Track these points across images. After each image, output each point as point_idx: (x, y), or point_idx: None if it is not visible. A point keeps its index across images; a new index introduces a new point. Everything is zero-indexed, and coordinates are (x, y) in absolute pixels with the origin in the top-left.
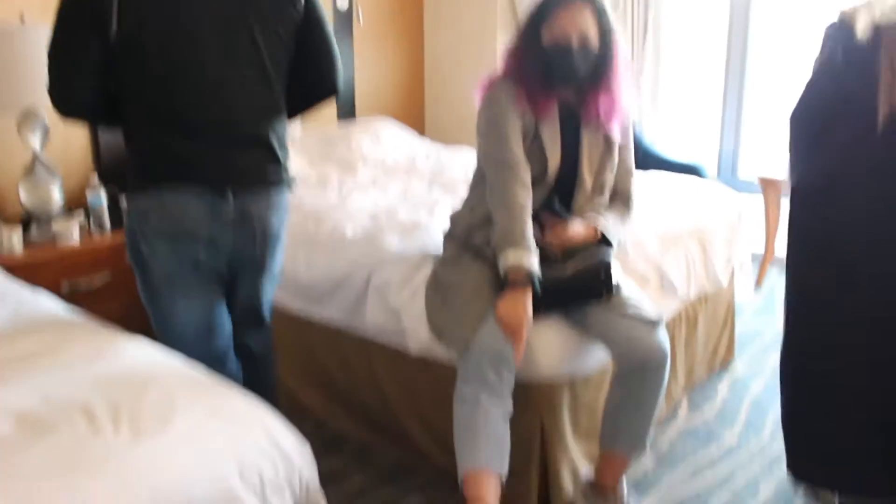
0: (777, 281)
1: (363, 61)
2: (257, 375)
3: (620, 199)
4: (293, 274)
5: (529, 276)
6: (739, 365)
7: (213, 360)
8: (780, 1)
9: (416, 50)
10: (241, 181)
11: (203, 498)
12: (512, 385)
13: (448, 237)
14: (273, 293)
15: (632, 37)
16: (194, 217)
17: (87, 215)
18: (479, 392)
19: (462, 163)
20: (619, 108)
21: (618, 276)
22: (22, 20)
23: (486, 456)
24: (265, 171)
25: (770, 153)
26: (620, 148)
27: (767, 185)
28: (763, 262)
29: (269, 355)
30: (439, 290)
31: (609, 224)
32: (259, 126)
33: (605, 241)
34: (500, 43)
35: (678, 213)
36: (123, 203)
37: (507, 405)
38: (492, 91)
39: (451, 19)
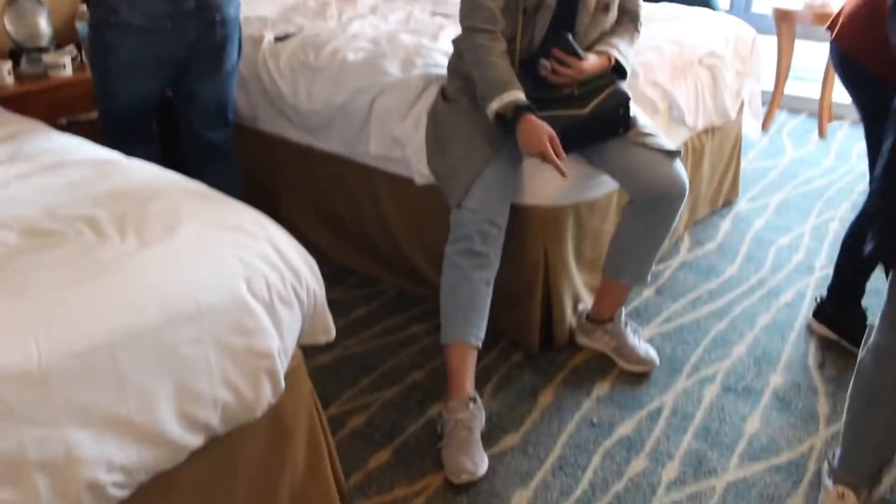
0: (786, 123)
1: None
2: (227, 169)
3: (628, 17)
4: (293, 104)
5: (522, 107)
6: (743, 202)
7: (142, 130)
8: None
9: None
10: None
11: (211, 304)
12: (500, 247)
13: (451, 69)
14: (235, 91)
15: None
16: (158, 12)
17: (79, 48)
18: (464, 261)
19: None
20: None
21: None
22: None
23: (466, 330)
24: None
25: None
26: None
27: (782, 18)
28: (772, 103)
29: (234, 152)
30: (438, 132)
31: (622, 52)
32: None
33: (617, 70)
34: None
35: (690, 41)
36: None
37: (493, 269)
38: None
39: None
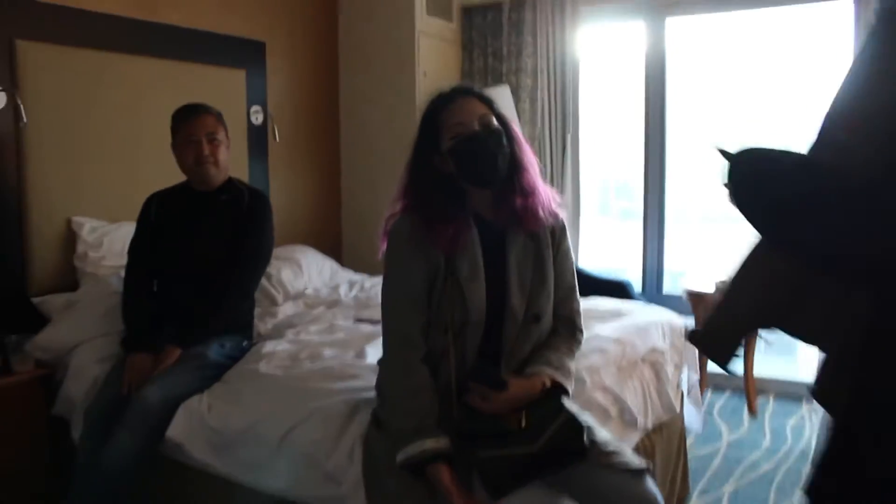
0: (714, 402)
1: (279, 182)
2: None
3: (565, 326)
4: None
5: (442, 455)
6: (695, 498)
7: None
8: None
9: (332, 173)
10: None
11: None
12: None
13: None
14: None
15: (550, 156)
16: None
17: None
18: None
19: None
20: (545, 199)
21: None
22: None
23: None
24: None
25: (695, 264)
26: (557, 253)
27: (696, 300)
28: (700, 386)
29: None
30: (374, 465)
31: (559, 369)
32: None
33: (559, 387)
34: None
35: (630, 339)
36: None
37: None
38: (389, 236)
39: (369, 140)
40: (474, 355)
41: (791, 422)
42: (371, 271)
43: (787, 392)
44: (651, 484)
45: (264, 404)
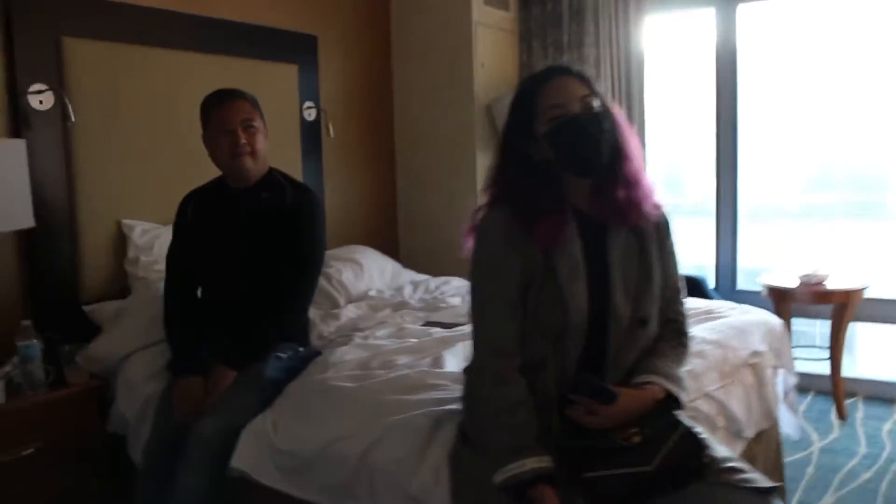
0: (797, 404)
1: (333, 181)
2: None
3: (672, 331)
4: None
5: (545, 476)
6: None
7: None
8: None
9: (387, 170)
10: None
11: None
12: None
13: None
14: None
15: None
16: None
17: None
18: None
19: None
20: (650, 191)
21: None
22: None
23: None
24: None
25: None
26: (662, 250)
27: (780, 298)
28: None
29: None
30: (464, 486)
31: (671, 379)
32: None
33: (672, 398)
34: (480, 162)
35: (729, 341)
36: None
37: None
38: (477, 233)
39: (425, 136)
40: (575, 365)
41: (886, 426)
42: (432, 271)
43: (877, 394)
44: None
45: (338, 420)
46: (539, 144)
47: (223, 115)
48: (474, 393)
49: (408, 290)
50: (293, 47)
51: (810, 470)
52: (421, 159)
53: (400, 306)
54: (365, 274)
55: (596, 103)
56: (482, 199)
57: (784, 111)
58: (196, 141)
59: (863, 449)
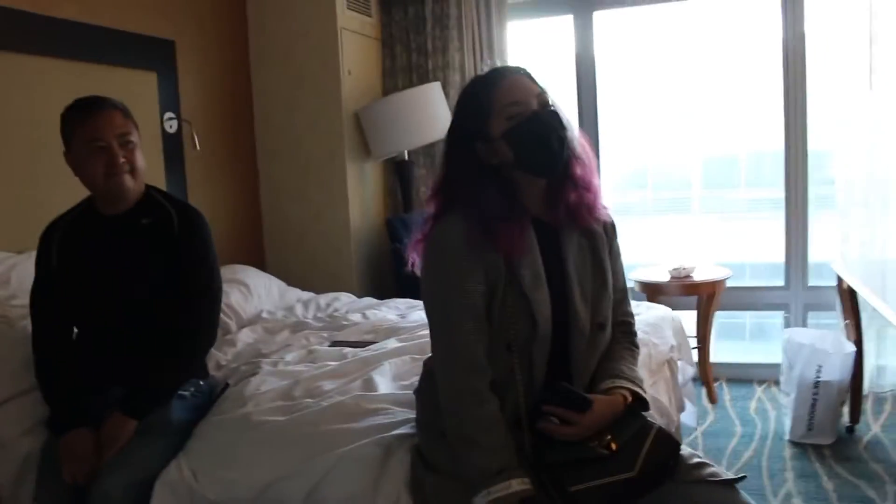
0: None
1: (198, 196)
2: None
3: (623, 332)
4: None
5: (529, 499)
6: None
7: None
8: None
9: (251, 183)
10: None
11: None
12: None
13: (424, 424)
14: None
15: None
16: None
17: None
18: None
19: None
20: (600, 193)
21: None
22: None
23: None
24: None
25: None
26: (612, 255)
27: (652, 291)
28: None
29: None
30: None
31: (635, 381)
32: None
33: (637, 400)
34: (350, 174)
35: (649, 338)
36: None
37: None
38: (431, 241)
39: (290, 147)
40: (543, 376)
41: (752, 405)
42: (303, 287)
43: (737, 376)
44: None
45: (273, 459)
46: (492, 147)
47: (92, 128)
48: (450, 414)
49: (300, 310)
50: (151, 53)
51: (699, 452)
52: (285, 171)
53: (298, 327)
54: (253, 295)
55: (551, 100)
56: (428, 209)
57: (640, 113)
58: (52, 157)
59: (738, 429)
